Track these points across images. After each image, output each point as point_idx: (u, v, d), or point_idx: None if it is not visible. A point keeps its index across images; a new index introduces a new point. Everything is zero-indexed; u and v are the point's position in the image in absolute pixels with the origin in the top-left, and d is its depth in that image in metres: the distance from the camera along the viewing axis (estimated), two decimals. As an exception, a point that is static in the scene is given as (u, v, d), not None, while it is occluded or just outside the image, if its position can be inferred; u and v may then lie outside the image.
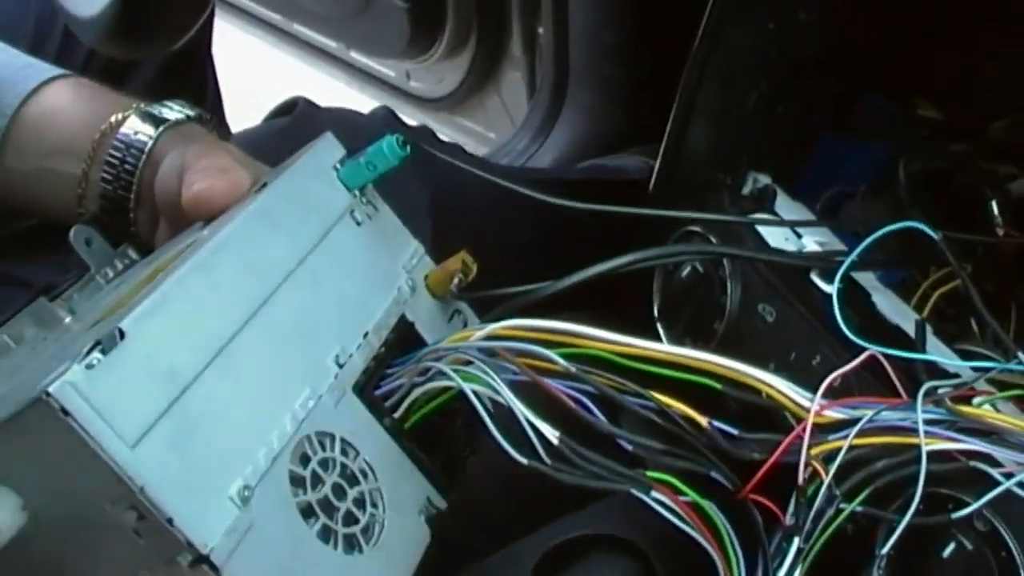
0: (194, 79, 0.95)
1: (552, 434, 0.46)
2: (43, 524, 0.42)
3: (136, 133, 0.71)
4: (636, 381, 0.48)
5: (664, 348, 0.48)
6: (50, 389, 0.40)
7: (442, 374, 0.49)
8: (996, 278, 0.60)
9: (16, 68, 0.75)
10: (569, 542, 0.73)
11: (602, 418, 0.47)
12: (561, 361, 0.47)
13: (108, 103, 0.74)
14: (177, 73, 0.91)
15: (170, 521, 0.41)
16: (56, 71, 0.75)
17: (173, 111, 0.73)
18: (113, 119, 0.72)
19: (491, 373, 0.48)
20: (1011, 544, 0.47)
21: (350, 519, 0.48)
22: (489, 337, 0.49)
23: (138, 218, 0.70)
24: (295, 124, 0.87)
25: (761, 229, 0.60)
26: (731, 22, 0.61)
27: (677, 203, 0.63)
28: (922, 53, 0.68)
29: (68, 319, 0.60)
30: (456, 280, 0.56)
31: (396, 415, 0.52)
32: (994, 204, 0.62)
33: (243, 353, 0.47)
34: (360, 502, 0.49)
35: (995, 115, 0.68)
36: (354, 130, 0.86)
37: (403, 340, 0.54)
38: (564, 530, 0.73)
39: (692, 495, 0.47)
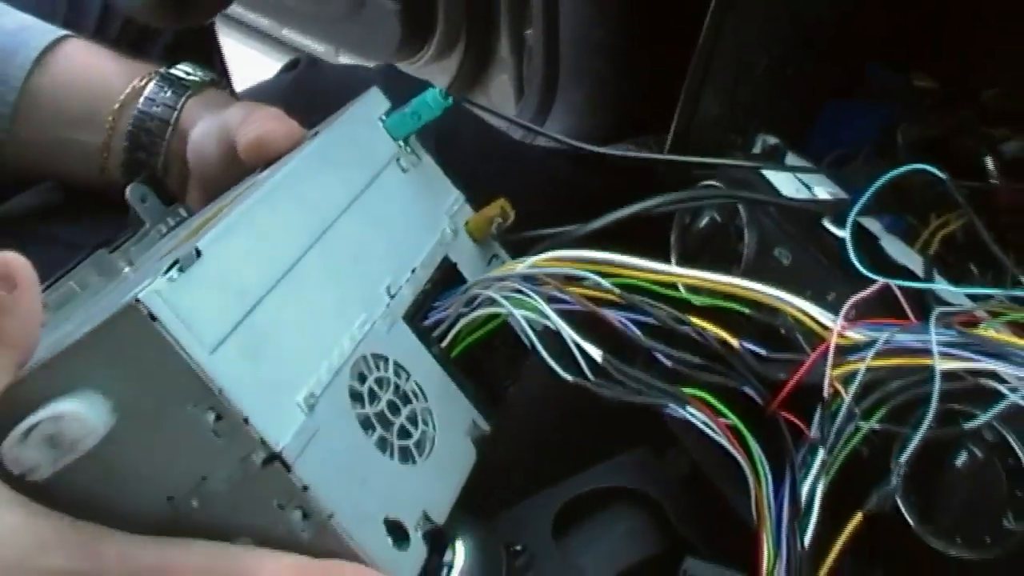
0: (205, 48, 0.97)
1: (596, 353, 0.50)
2: (128, 426, 0.45)
3: (158, 102, 0.73)
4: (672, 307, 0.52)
5: (698, 273, 0.52)
6: (139, 297, 0.43)
7: (491, 301, 0.53)
8: (992, 228, 0.64)
9: (10, 32, 0.75)
10: (587, 495, 0.76)
11: (642, 336, 0.50)
12: (604, 283, 0.51)
13: (123, 69, 0.75)
14: (191, 40, 0.93)
15: (245, 420, 0.44)
16: (54, 32, 0.76)
17: (191, 76, 0.75)
18: (131, 88, 0.74)
19: (537, 298, 0.51)
20: (1019, 452, 0.51)
21: (404, 433, 0.51)
22: (533, 267, 0.53)
23: (167, 183, 0.73)
24: (300, 79, 0.90)
25: (773, 183, 0.64)
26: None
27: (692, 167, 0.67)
28: (920, 26, 0.73)
29: (127, 269, 0.64)
30: (495, 225, 0.60)
31: (443, 344, 0.56)
32: (989, 160, 0.66)
33: (304, 278, 0.51)
34: (412, 419, 0.52)
35: (987, 85, 0.73)
36: (360, 84, 0.90)
37: (446, 279, 0.58)
38: (582, 484, 0.77)
39: (725, 411, 0.51)
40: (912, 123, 0.73)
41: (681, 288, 0.52)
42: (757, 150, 0.68)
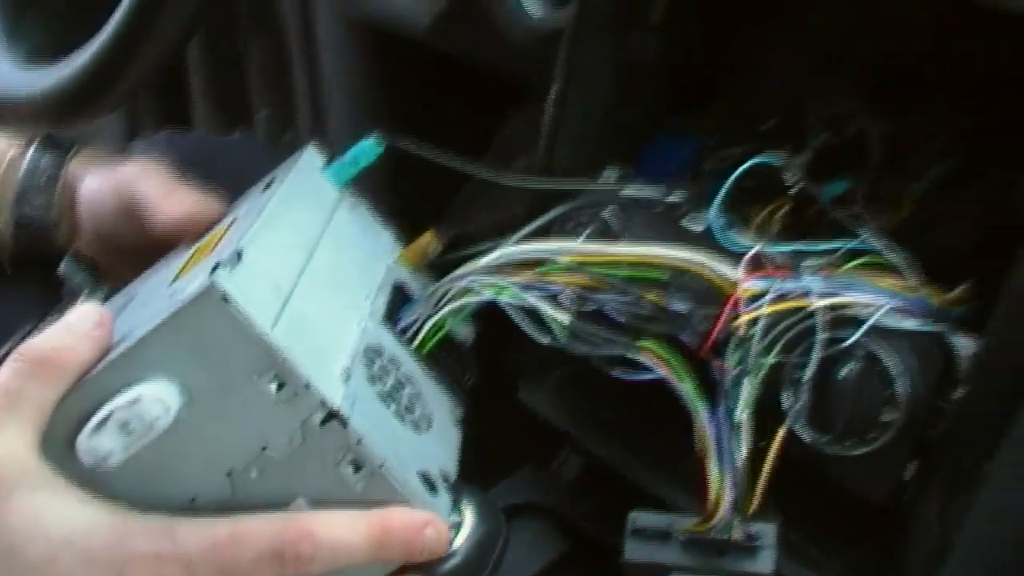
0: None
1: (565, 318, 0.61)
2: (195, 407, 0.51)
3: (43, 162, 0.79)
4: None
5: (633, 249, 0.64)
6: (213, 280, 0.50)
7: (467, 290, 0.62)
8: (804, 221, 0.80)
9: None
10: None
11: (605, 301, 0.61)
12: (565, 261, 0.61)
13: None
14: None
15: (307, 385, 0.51)
16: None
17: (66, 138, 0.81)
18: (13, 152, 0.79)
19: (508, 283, 0.61)
20: (884, 359, 0.64)
21: (410, 409, 0.60)
22: (496, 260, 0.63)
23: (57, 235, 0.79)
24: (155, 147, 0.97)
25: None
26: (584, 49, 0.79)
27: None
28: (702, 78, 0.90)
29: None
30: (431, 251, 0.70)
31: (414, 345, 0.64)
32: (790, 171, 0.82)
33: (311, 283, 0.58)
34: (412, 399, 0.61)
35: (762, 119, 0.90)
36: (221, 152, 0.99)
37: (399, 300, 0.68)
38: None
39: (668, 355, 0.62)
40: (709, 155, 0.89)
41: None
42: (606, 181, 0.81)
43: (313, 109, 1.51)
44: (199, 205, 0.69)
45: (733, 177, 0.72)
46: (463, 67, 1.17)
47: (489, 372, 0.74)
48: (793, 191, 0.81)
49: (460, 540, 0.60)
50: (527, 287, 0.61)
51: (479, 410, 0.86)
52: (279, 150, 1.26)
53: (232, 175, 0.80)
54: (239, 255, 0.53)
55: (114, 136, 1.60)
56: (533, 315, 0.62)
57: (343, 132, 1.44)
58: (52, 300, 0.75)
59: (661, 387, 0.67)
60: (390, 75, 1.42)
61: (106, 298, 0.73)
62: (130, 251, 0.75)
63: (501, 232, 0.71)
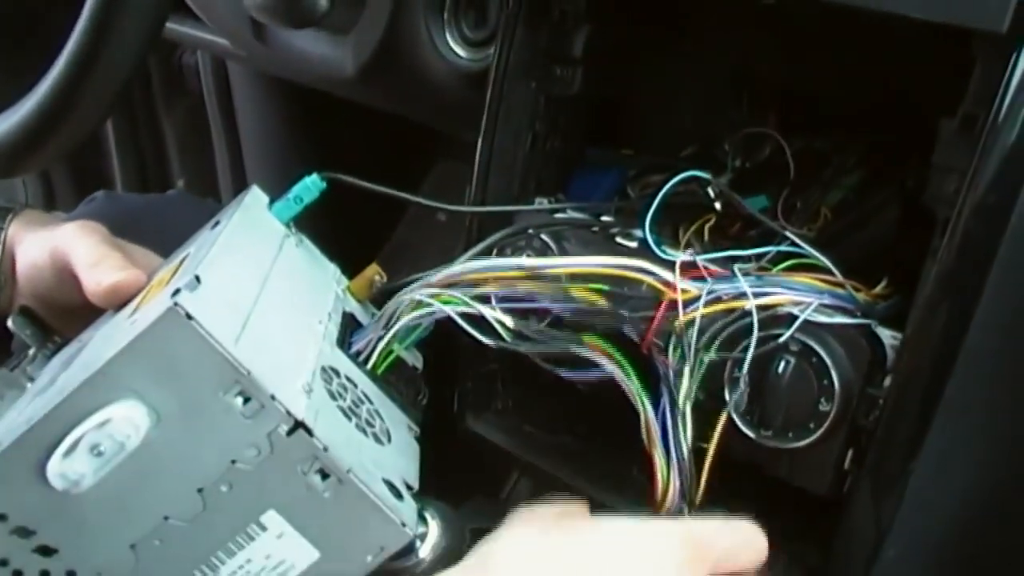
0: None
1: (510, 321, 0.63)
2: (163, 427, 0.52)
3: None
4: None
5: (575, 260, 0.66)
6: (176, 300, 0.51)
7: (418, 303, 0.64)
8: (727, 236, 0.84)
9: None
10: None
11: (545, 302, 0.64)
12: (513, 274, 0.64)
13: None
14: None
15: (272, 397, 0.53)
16: None
17: (2, 201, 0.82)
18: None
19: (458, 295, 0.63)
20: (819, 351, 0.67)
21: (370, 424, 0.61)
22: (446, 277, 0.65)
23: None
24: (104, 209, 0.97)
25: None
26: (509, 85, 0.82)
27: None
28: (620, 109, 0.94)
29: (29, 384, 0.69)
30: (376, 283, 0.72)
31: (368, 366, 0.66)
32: (710, 189, 0.86)
33: (268, 308, 0.60)
34: (371, 415, 0.62)
35: (679, 148, 0.94)
36: (155, 208, 1.00)
37: (350, 326, 0.69)
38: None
39: (611, 348, 0.65)
40: (636, 182, 0.92)
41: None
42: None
43: (234, 173, 1.53)
44: (125, 275, 0.69)
45: (666, 188, 0.75)
46: (383, 120, 1.20)
47: (434, 405, 0.76)
48: (718, 205, 0.85)
49: (426, 550, 0.61)
50: (474, 297, 0.63)
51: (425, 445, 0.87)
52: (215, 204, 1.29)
53: (170, 230, 0.81)
54: (197, 279, 0.55)
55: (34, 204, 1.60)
56: (480, 323, 0.64)
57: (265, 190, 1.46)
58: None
59: (601, 405, 0.69)
60: (309, 133, 1.46)
61: (55, 351, 0.73)
62: (70, 311, 0.75)
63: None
